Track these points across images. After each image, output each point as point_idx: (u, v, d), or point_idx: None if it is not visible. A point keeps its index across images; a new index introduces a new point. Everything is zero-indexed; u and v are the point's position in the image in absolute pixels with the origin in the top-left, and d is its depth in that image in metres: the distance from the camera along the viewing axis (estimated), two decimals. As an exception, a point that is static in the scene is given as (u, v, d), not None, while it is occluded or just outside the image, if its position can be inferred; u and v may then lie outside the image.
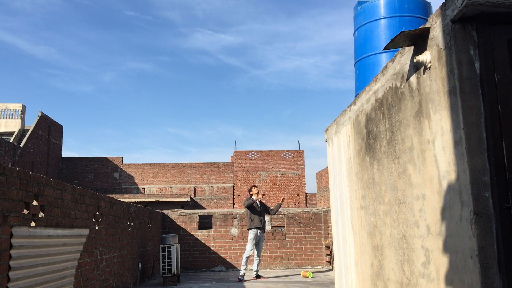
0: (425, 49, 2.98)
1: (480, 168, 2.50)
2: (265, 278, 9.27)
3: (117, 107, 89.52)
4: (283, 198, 9.88)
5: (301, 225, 11.39)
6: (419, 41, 3.10)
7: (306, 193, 29.24)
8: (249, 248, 9.21)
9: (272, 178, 28.83)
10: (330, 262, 10.95)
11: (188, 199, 25.11)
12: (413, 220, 3.27)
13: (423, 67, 3.03)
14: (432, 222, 2.97)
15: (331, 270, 10.71)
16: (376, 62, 8.36)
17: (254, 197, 9.45)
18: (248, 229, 9.34)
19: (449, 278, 2.76)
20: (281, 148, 31.02)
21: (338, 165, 5.52)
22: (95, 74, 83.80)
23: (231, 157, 30.31)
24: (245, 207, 9.32)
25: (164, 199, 24.66)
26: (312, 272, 9.75)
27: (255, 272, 9.29)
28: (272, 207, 10.06)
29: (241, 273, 9.12)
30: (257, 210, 9.32)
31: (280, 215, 11.40)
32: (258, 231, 9.23)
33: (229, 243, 11.22)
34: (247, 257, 9.18)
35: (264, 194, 9.89)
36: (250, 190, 9.68)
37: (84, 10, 76.74)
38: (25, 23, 76.17)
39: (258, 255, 9.35)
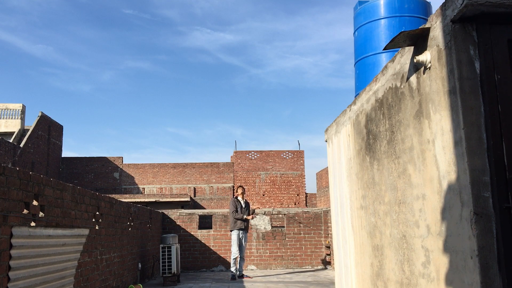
0: (425, 49, 2.98)
1: (480, 168, 2.50)
2: (250, 277, 9.42)
3: (117, 107, 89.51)
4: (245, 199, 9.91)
5: (301, 225, 11.39)
6: (419, 41, 3.10)
7: (306, 193, 29.25)
8: (234, 250, 9.35)
9: (272, 178, 28.83)
10: (330, 262, 10.94)
11: (188, 199, 25.10)
12: (413, 220, 3.27)
13: (423, 67, 3.03)
14: (432, 222, 2.97)
15: (330, 269, 10.71)
16: (376, 62, 8.36)
17: (239, 197, 9.62)
18: (231, 231, 9.49)
19: (449, 278, 2.75)
20: (281, 148, 31.01)
21: (338, 165, 5.52)
22: (94, 73, 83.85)
23: (231, 157, 30.31)
24: (231, 213, 9.45)
25: (164, 199, 24.65)
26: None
27: (239, 272, 9.43)
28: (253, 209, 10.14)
29: (232, 273, 9.29)
30: (241, 212, 9.46)
31: (280, 215, 11.41)
32: (241, 231, 9.39)
33: (229, 243, 11.21)
34: (235, 259, 9.35)
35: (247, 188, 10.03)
36: (236, 190, 9.89)
37: (82, 8, 76.76)
38: (22, 22, 76.11)
39: (242, 255, 9.48)
